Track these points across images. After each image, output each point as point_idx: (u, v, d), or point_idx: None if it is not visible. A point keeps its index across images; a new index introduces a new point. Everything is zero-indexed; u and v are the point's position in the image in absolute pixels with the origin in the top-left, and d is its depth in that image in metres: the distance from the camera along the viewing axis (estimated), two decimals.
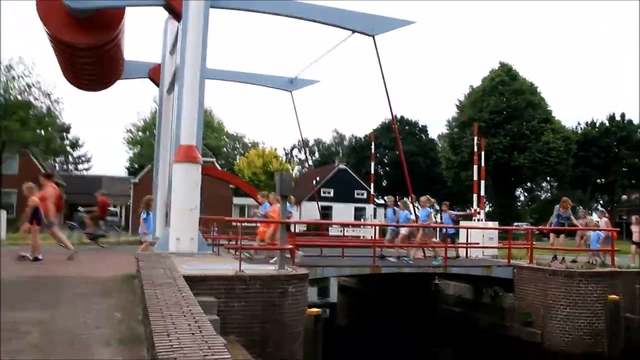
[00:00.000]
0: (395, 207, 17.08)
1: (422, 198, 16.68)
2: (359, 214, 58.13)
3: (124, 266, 10.57)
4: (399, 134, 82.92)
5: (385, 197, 71.82)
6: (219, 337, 4.92)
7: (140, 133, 52.23)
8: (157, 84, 21.65)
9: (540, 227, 17.40)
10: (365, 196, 60.13)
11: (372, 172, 29.03)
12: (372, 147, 30.86)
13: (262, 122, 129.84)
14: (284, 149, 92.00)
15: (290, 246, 11.68)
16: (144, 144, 51.70)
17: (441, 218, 20.94)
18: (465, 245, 17.48)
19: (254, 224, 19.72)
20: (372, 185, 27.10)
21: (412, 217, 16.25)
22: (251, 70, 23.47)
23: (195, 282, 9.29)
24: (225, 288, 10.38)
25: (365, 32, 17.02)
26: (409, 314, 19.86)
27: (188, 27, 14.38)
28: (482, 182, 19.87)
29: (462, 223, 18.93)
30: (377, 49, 17.35)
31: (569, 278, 14.30)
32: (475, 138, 22.04)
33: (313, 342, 10.24)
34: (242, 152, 69.72)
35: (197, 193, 14.47)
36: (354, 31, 17.14)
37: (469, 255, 17.75)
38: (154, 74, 21.46)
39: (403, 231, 15.81)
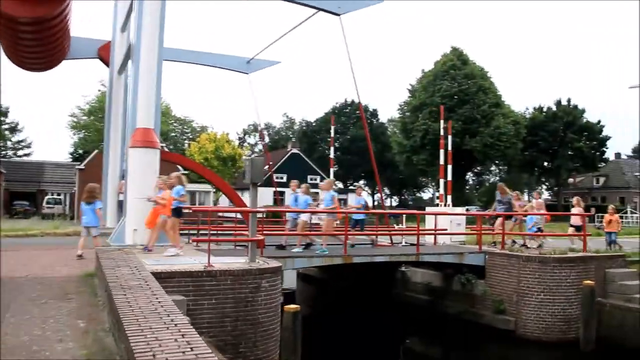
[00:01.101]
0: (297, 192, 15.50)
1: (325, 181, 15.40)
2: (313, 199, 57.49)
3: (76, 263, 9.56)
4: (349, 119, 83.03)
5: (337, 183, 71.65)
6: None
7: (85, 117, 49.86)
8: (107, 64, 20.25)
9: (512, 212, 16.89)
10: (318, 181, 59.52)
11: (332, 156, 28.33)
12: (332, 130, 30.15)
13: (210, 105, 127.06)
14: (237, 133, 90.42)
15: (261, 237, 10.84)
16: (90, 128, 49.43)
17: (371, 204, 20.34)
18: (433, 231, 17.00)
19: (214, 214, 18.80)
20: (331, 170, 26.41)
21: (312, 201, 15.27)
22: (205, 50, 22.10)
23: (161, 280, 8.37)
24: (193, 285, 9.52)
25: (332, 11, 16.24)
26: (375, 302, 19.34)
27: (144, 2, 13.26)
28: (449, 166, 19.47)
29: (430, 209, 18.47)
30: (343, 29, 16.63)
31: (544, 264, 14.03)
32: (442, 122, 21.63)
33: (293, 341, 9.49)
34: (191, 137, 67.89)
35: (155, 180, 13.46)
36: (319, 9, 16.33)
37: (436, 242, 17.32)
38: (103, 52, 20.05)
39: (303, 217, 14.49)
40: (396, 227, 20.33)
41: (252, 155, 64.66)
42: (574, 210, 17.91)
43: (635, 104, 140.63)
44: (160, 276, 8.59)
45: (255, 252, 10.83)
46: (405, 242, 18.08)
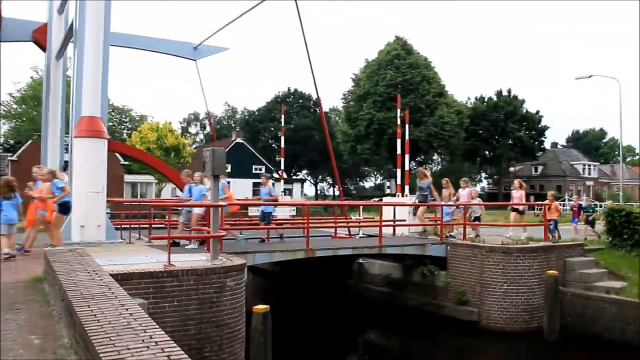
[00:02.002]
0: (193, 182, 13.55)
1: (196, 174, 13.41)
2: (257, 189, 56.56)
3: (18, 265, 8.59)
4: (292, 108, 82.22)
5: (277, 173, 70.88)
6: None
7: (16, 105, 47.02)
8: (43, 48, 18.80)
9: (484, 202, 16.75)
10: (263, 171, 58.65)
11: (282, 146, 27.59)
12: (282, 119, 29.39)
13: (149, 93, 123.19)
14: (180, 122, 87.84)
15: (223, 232, 10.13)
16: (23, 117, 46.67)
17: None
18: (392, 222, 16.61)
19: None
20: (282, 160, 25.70)
21: (207, 193, 12.76)
22: (148, 35, 20.89)
23: (117, 282, 7.58)
24: (153, 286, 8.78)
25: None
26: (331, 295, 18.93)
27: None
28: (407, 156, 19.14)
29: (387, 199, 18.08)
30: (300, 14, 15.99)
31: (507, 254, 13.92)
32: (399, 110, 21.28)
33: (263, 344, 8.85)
34: (130, 126, 65.45)
35: (103, 173, 12.53)
36: None
37: (396, 233, 16.97)
38: (38, 36, 18.57)
39: (197, 210, 12.58)
40: (353, 218, 19.87)
41: (195, 146, 63.10)
42: (514, 194, 17.33)
43: (571, 95, 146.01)
44: (116, 278, 7.78)
45: (217, 249, 10.12)
46: (363, 234, 17.66)
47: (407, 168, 19.09)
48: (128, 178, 42.20)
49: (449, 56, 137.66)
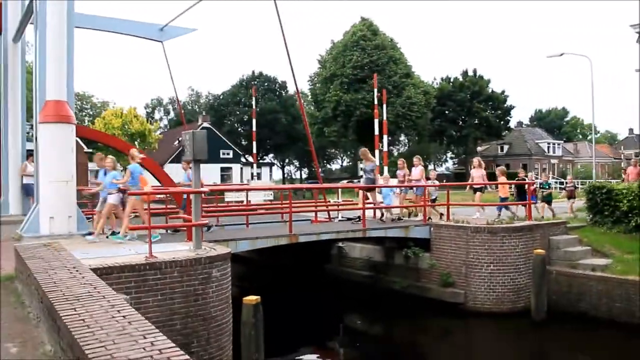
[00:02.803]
0: (106, 168, 11.64)
1: (107, 159, 11.78)
2: (226, 174, 55.72)
3: None
4: (258, 91, 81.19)
5: (244, 158, 69.95)
6: None
7: None
8: None
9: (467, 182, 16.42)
10: (231, 156, 57.72)
11: (254, 129, 26.90)
12: (254, 102, 28.64)
13: (109, 78, 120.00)
14: (145, 108, 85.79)
15: (206, 221, 9.57)
16: None
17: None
18: (374, 205, 16.22)
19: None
20: (254, 144, 25.01)
21: (121, 178, 11.33)
22: (112, 16, 19.88)
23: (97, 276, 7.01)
24: (135, 280, 8.18)
25: None
26: (310, 280, 18.55)
27: None
28: (385, 137, 18.76)
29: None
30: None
31: (493, 234, 13.70)
32: (375, 90, 20.84)
33: (255, 337, 8.36)
34: (92, 113, 63.63)
35: (72, 160, 11.78)
36: None
37: (376, 215, 16.58)
38: None
39: (110, 200, 11.03)
40: (331, 201, 19.44)
41: (159, 132, 61.64)
42: (474, 173, 16.86)
43: (535, 74, 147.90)
44: (95, 273, 7.19)
45: (200, 238, 9.57)
46: (342, 217, 17.26)
47: (385, 149, 18.74)
48: (92, 166, 40.85)
49: (414, 37, 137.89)
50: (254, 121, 26.93)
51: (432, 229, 14.88)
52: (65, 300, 4.81)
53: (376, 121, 19.04)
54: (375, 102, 20.28)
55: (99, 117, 43.88)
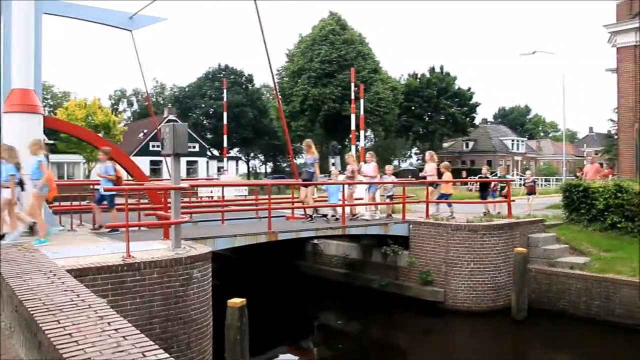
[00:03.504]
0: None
1: (30, 142, 10.31)
2: (191, 168, 54.79)
3: None
4: (223, 85, 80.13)
5: (209, 151, 68.89)
6: None
7: None
8: None
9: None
10: (197, 149, 56.76)
11: (225, 122, 26.28)
12: (225, 95, 27.97)
13: (70, 68, 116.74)
14: (109, 99, 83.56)
15: (186, 218, 9.10)
16: None
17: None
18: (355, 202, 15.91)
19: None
20: (225, 137, 24.38)
21: (18, 174, 9.99)
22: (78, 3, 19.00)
23: None
24: (112, 282, 7.69)
25: None
26: (285, 278, 18.19)
27: None
28: (362, 132, 18.45)
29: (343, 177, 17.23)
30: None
31: (473, 232, 13.55)
32: (353, 84, 20.49)
33: (240, 342, 7.95)
34: (52, 103, 61.68)
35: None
36: None
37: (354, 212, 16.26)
38: None
39: (4, 194, 9.83)
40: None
41: (122, 124, 60.18)
42: (426, 167, 16.27)
43: (500, 72, 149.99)
44: (70, 274, 6.68)
45: (180, 236, 9.10)
46: (317, 214, 16.89)
47: (361, 144, 18.44)
48: (53, 158, 39.58)
49: (382, 32, 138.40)
50: (224, 114, 26.32)
51: (411, 226, 14.66)
52: (46, 311, 4.34)
53: (353, 116, 18.72)
54: (352, 96, 19.92)
55: (60, 107, 42.39)
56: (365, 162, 16.02)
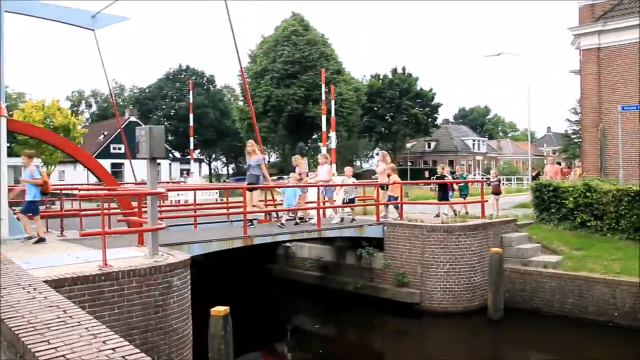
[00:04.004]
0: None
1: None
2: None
3: None
4: (185, 85, 78.93)
5: (171, 153, 67.69)
6: None
7: None
8: None
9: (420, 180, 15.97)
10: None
11: (191, 124, 25.80)
12: (190, 96, 27.46)
13: (23, 68, 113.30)
14: (68, 100, 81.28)
15: (163, 225, 8.79)
16: None
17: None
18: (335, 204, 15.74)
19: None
20: (191, 140, 23.92)
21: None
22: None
23: None
24: (89, 292, 7.34)
25: None
26: (256, 281, 17.92)
27: None
28: (333, 133, 18.32)
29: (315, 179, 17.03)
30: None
31: (449, 233, 13.55)
32: (323, 85, 20.34)
33: (224, 352, 7.69)
34: (7, 105, 59.65)
35: (2, 157, 10.64)
36: None
37: (326, 214, 16.13)
38: None
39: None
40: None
41: (82, 127, 58.71)
42: (378, 168, 15.75)
43: (460, 73, 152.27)
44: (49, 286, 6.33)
45: (157, 244, 8.78)
46: (290, 216, 16.67)
47: (333, 146, 18.31)
48: (10, 161, 38.25)
49: (344, 34, 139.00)
50: (190, 115, 25.80)
51: (385, 228, 14.59)
52: (32, 330, 4.04)
53: (323, 117, 18.57)
54: (323, 97, 19.76)
55: (15, 109, 40.97)
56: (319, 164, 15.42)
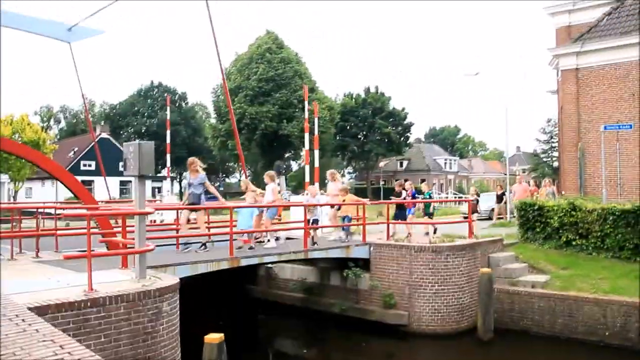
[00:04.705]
0: None
1: None
2: (125, 188, 52.76)
3: None
4: (156, 102, 78.09)
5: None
6: None
7: None
8: None
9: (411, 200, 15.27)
10: None
11: (168, 141, 25.27)
12: (168, 111, 26.94)
13: None
14: (38, 115, 79.40)
15: (152, 246, 8.36)
16: None
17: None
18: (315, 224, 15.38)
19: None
20: (168, 157, 23.41)
21: None
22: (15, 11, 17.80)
23: None
24: (74, 320, 6.88)
25: None
26: (235, 303, 17.40)
27: None
28: (316, 151, 18.03)
29: (300, 199, 16.74)
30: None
31: (437, 253, 13.35)
32: (307, 103, 20.10)
33: None
34: None
35: None
36: None
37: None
38: None
39: None
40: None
41: (51, 143, 57.51)
42: (329, 186, 14.85)
43: (431, 93, 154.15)
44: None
45: (145, 266, 8.35)
46: (271, 237, 16.26)
47: (317, 165, 18.02)
48: None
49: (317, 53, 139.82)
50: (168, 132, 25.30)
51: (371, 248, 14.32)
52: None
53: (306, 135, 18.29)
54: (306, 115, 19.51)
55: None
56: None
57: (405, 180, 18.61)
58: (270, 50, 58.93)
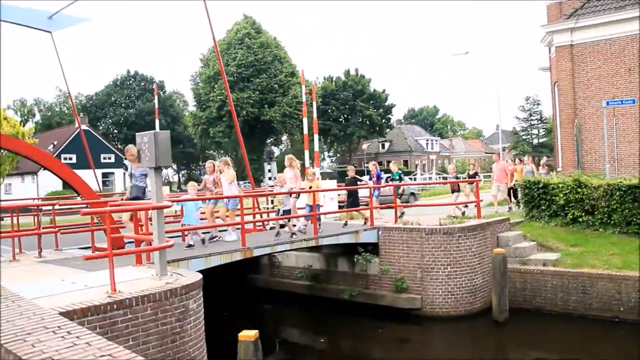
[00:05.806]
0: None
1: None
2: (107, 179, 51.84)
3: None
4: (134, 92, 76.77)
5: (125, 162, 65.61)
6: None
7: None
8: None
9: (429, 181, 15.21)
10: (112, 160, 53.78)
11: (157, 130, 24.59)
12: (156, 101, 26.29)
13: None
14: (13, 109, 77.40)
15: (171, 242, 8.00)
16: None
17: None
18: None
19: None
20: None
21: None
22: None
23: None
24: (101, 324, 6.49)
25: None
26: (239, 292, 17.13)
27: None
28: (316, 136, 17.70)
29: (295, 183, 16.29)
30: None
31: (449, 235, 13.18)
32: (304, 87, 19.71)
33: None
34: None
35: None
36: None
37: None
38: None
39: None
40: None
41: (29, 138, 56.12)
42: (286, 175, 13.42)
43: (410, 73, 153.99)
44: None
45: (165, 263, 7.99)
46: (273, 224, 15.96)
47: (316, 149, 17.70)
48: None
49: (296, 36, 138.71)
50: (157, 121, 24.69)
51: (380, 232, 14.10)
52: None
53: (305, 120, 17.96)
54: (304, 99, 19.17)
55: None
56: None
57: (389, 162, 18.32)
58: (248, 35, 58.20)
